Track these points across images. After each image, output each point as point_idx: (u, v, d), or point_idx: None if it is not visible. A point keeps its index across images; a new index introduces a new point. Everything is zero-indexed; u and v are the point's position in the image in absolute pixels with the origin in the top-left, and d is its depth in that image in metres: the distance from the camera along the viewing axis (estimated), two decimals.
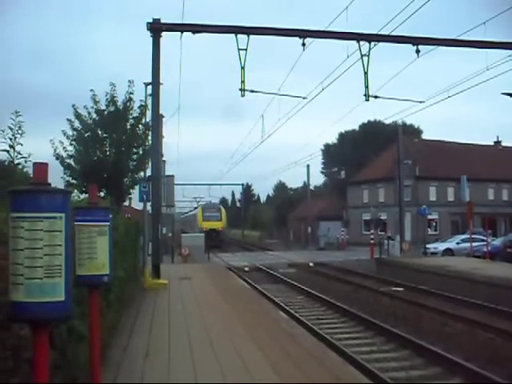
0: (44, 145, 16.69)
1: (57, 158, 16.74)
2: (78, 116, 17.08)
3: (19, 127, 6.41)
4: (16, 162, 6.39)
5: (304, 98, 21.12)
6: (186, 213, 59.85)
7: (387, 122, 49.65)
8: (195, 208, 55.51)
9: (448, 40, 19.36)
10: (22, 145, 6.40)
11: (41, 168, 2.65)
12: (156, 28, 17.18)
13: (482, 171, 51.08)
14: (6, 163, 6.82)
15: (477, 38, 18.84)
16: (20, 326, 2.96)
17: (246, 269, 27.80)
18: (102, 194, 15.75)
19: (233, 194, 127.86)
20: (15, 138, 6.34)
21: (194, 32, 17.58)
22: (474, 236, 30.57)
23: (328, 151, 77.35)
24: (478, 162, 52.42)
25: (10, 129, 6.33)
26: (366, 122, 73.07)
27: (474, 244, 29.84)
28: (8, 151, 6.35)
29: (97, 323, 4.40)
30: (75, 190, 15.15)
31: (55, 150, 16.76)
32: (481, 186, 51.14)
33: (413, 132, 64.46)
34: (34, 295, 2.48)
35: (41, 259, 2.50)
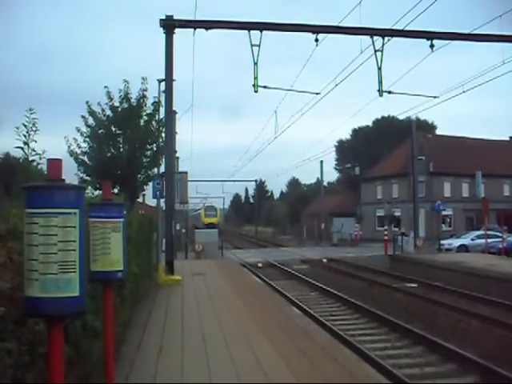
0: (58, 142, 16.82)
1: (71, 155, 16.89)
2: (91, 113, 17.19)
3: (33, 124, 6.44)
4: (30, 158, 6.42)
5: (317, 94, 21.07)
6: (196, 210, 72.98)
7: (401, 117, 49.34)
8: (200, 208, 72.65)
9: (463, 34, 19.17)
10: (36, 142, 6.43)
11: (55, 164, 2.66)
12: (169, 25, 17.20)
13: (497, 167, 50.62)
14: (21, 160, 6.86)
15: (492, 31, 18.67)
16: (35, 321, 2.99)
17: (260, 265, 27.80)
18: (115, 190, 15.84)
19: (246, 191, 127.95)
20: (29, 135, 6.37)
21: (207, 28, 17.57)
22: (489, 232, 30.33)
23: (341, 147, 77.10)
24: (493, 157, 51.95)
25: (25, 126, 6.36)
26: (379, 117, 72.82)
27: (489, 240, 29.62)
28: (22, 148, 6.38)
29: (111, 319, 4.41)
30: (89, 187, 15.25)
31: (69, 147, 16.93)
32: (496, 181, 50.72)
33: (427, 128, 64.02)
34: (48, 291, 2.49)
35: (55, 255, 2.51)
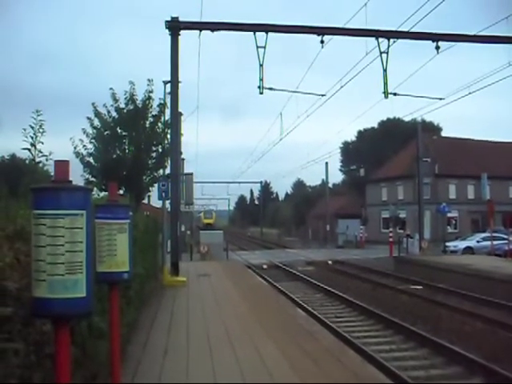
0: (62, 143, 16.86)
1: (77, 156, 16.91)
2: (97, 114, 17.22)
3: (40, 126, 6.49)
4: (37, 160, 6.46)
5: (323, 96, 21.07)
6: (199, 213, 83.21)
7: (406, 119, 49.08)
8: (201, 211, 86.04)
9: (468, 36, 19.15)
10: (43, 143, 6.47)
11: (62, 166, 2.67)
12: (174, 26, 17.23)
13: (502, 169, 50.45)
14: (27, 161, 6.91)
15: (498, 33, 18.63)
16: (42, 322, 3.00)
17: (265, 266, 27.82)
18: (121, 191, 15.86)
19: (251, 192, 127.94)
20: (36, 136, 6.41)
21: (213, 30, 17.61)
22: (494, 234, 30.23)
23: (347, 149, 77.04)
24: (498, 159, 51.78)
25: (32, 128, 6.41)
26: (384, 119, 72.70)
27: (495, 242, 29.52)
28: (29, 150, 6.42)
29: (117, 320, 4.43)
30: (95, 188, 15.27)
31: (75, 148, 16.95)
32: (501, 183, 50.55)
33: (432, 129, 63.82)
34: (56, 291, 2.50)
35: (62, 256, 2.53)
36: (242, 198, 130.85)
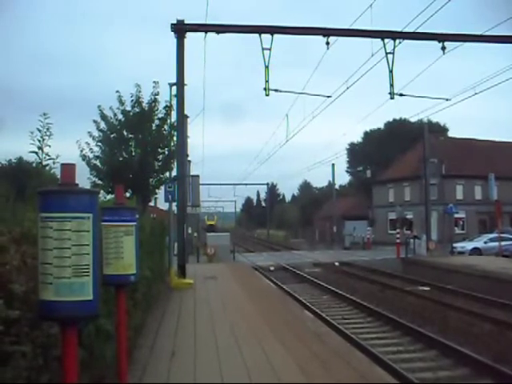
0: (71, 146, 16.92)
1: (83, 159, 16.96)
2: (103, 117, 17.27)
3: (47, 129, 6.52)
4: (44, 163, 6.49)
5: (328, 97, 21.01)
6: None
7: (413, 120, 48.86)
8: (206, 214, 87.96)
9: (474, 36, 19.08)
10: (50, 146, 6.50)
11: (68, 169, 2.68)
12: (180, 29, 17.25)
13: (510, 169, 50.16)
14: (34, 164, 6.94)
15: (505, 33, 18.54)
16: (49, 325, 3.01)
17: (272, 268, 27.80)
18: (127, 194, 15.90)
19: (258, 194, 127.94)
20: (43, 139, 6.44)
21: (218, 32, 17.62)
22: (502, 235, 30.09)
23: (353, 150, 76.91)
24: (506, 159, 51.52)
25: (39, 131, 6.44)
26: (391, 120, 72.52)
27: (503, 243, 29.39)
28: (36, 153, 6.45)
29: (124, 322, 4.44)
30: (101, 191, 15.30)
31: (81, 151, 17.00)
32: (509, 184, 50.19)
33: (439, 130, 63.58)
34: (62, 294, 2.51)
35: (69, 259, 2.53)
36: (248, 200, 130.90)
